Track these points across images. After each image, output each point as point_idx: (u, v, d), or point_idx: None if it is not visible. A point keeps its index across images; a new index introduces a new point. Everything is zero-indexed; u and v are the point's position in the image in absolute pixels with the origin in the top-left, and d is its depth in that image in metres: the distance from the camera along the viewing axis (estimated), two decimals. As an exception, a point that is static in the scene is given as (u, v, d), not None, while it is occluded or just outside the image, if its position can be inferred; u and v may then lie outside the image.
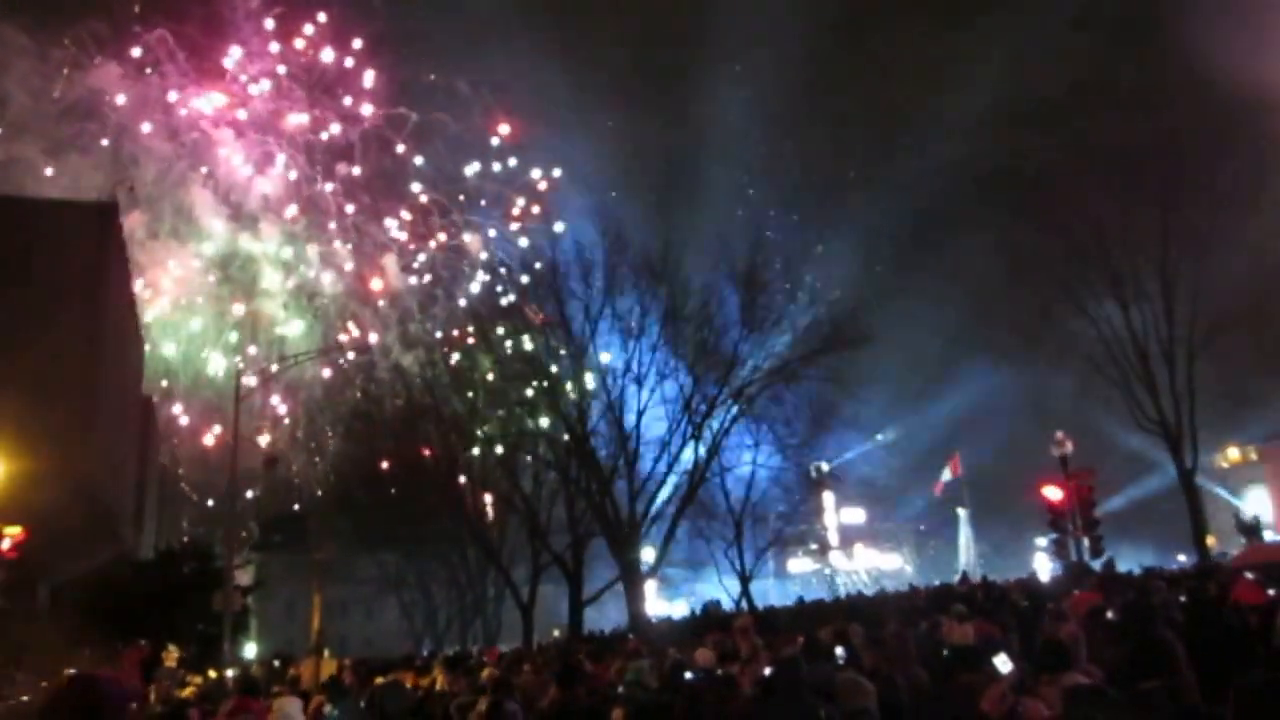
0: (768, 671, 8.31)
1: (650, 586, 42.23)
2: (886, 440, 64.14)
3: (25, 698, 17.75)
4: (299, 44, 74.27)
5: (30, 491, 21.71)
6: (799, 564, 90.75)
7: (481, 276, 73.84)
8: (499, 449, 42.24)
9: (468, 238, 77.75)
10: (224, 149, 70.11)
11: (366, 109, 75.69)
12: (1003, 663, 6.55)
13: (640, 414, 37.74)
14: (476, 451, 43.09)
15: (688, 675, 8.36)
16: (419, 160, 77.20)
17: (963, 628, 10.60)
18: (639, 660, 10.99)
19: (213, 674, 25.30)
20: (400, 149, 77.04)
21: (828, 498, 79.81)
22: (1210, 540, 36.18)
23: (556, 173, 79.65)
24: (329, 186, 74.06)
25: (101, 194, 54.91)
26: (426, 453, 43.75)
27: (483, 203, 79.53)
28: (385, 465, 46.83)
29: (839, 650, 10.18)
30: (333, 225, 73.69)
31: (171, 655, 23.99)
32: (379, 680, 16.09)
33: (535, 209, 74.80)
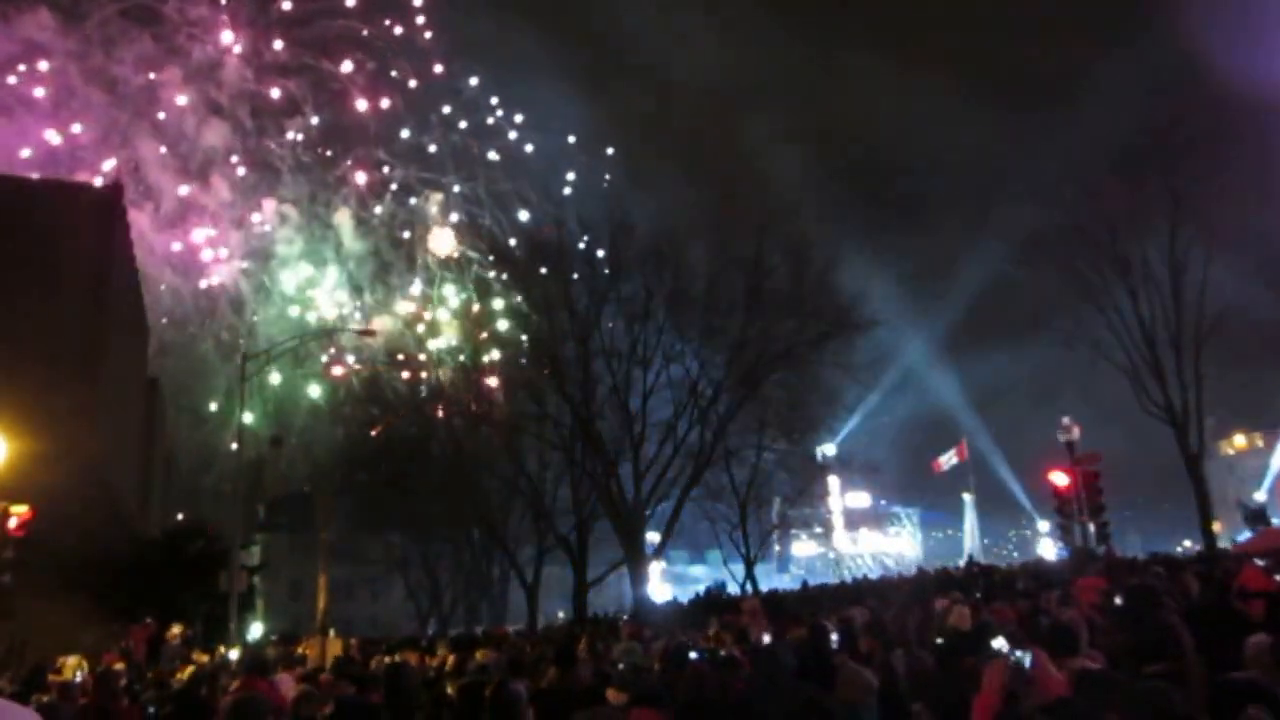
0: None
1: (655, 569, 42.33)
2: (893, 424, 64.20)
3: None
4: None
5: (37, 471, 21.77)
6: (803, 547, 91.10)
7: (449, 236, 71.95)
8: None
9: (432, 199, 75.64)
10: (166, 97, 67.60)
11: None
12: (1001, 645, 6.51)
13: (646, 397, 37.75)
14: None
15: (692, 655, 8.33)
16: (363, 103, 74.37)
17: (960, 610, 10.57)
18: (630, 642, 11.01)
19: (222, 651, 25.41)
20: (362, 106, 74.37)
21: (833, 481, 79.91)
22: (1216, 526, 36.20)
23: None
24: (291, 135, 71.39)
25: (40, 151, 54.16)
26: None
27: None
28: (389, 446, 46.88)
29: (834, 634, 10.22)
30: (285, 180, 71.53)
31: (174, 633, 24.05)
32: (385, 660, 16.16)
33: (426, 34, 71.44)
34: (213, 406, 65.48)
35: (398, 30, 75.78)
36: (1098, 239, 35.64)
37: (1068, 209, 36.82)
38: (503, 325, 46.79)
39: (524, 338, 41.97)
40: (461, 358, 46.30)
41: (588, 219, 42.22)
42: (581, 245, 41.16)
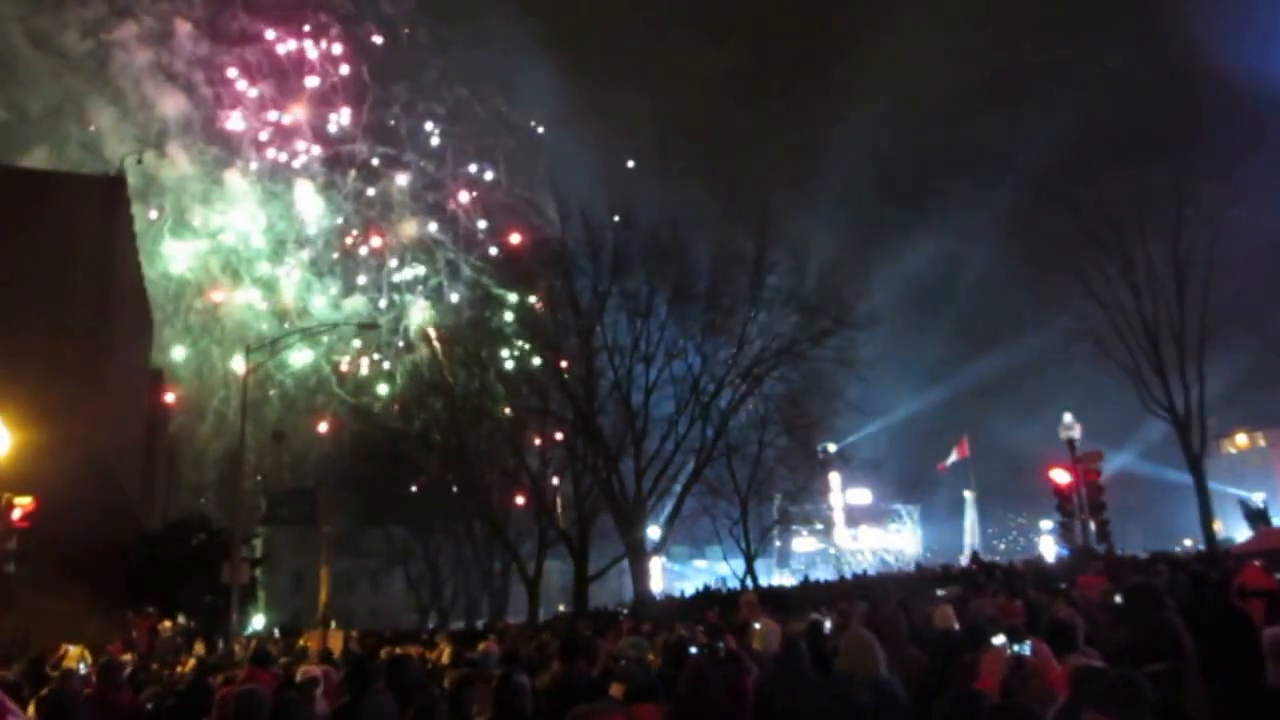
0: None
1: (656, 564, 42.39)
2: (894, 420, 64.16)
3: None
4: None
5: (39, 462, 21.77)
6: (804, 543, 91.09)
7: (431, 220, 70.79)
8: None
9: (401, 180, 74.33)
10: (121, 61, 66.33)
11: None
12: (1000, 641, 6.57)
13: (648, 393, 37.75)
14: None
15: (692, 650, 8.37)
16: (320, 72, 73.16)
17: (944, 610, 10.61)
18: (636, 636, 11.03)
19: (237, 645, 25.50)
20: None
21: (834, 478, 79.86)
22: (1217, 526, 36.15)
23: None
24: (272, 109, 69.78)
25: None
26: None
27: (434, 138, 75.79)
28: (390, 440, 46.89)
29: (826, 624, 10.30)
30: (251, 152, 70.36)
31: (166, 626, 24.02)
32: (384, 653, 16.18)
33: None
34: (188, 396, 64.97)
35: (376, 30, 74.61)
36: (1101, 236, 35.62)
37: (1072, 206, 36.79)
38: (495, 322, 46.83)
39: (507, 319, 41.85)
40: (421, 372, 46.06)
41: (590, 214, 42.15)
42: (583, 242, 41.12)
